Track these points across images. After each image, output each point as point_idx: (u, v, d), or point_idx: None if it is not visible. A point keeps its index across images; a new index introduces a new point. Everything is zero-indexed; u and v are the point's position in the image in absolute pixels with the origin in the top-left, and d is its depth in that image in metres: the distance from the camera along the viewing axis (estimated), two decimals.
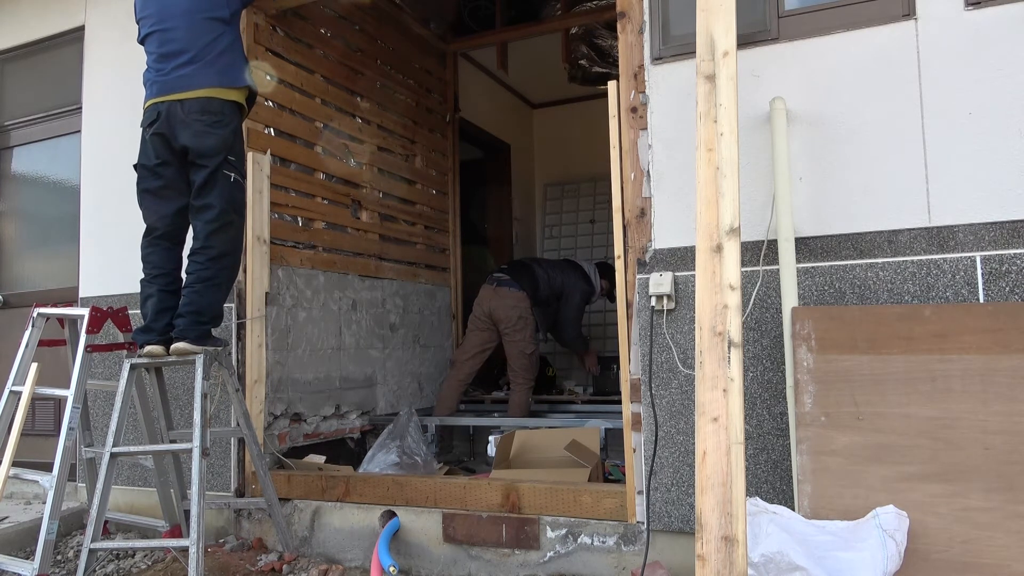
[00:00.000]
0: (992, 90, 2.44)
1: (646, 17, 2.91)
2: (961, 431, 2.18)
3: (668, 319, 2.78)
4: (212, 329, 3.10)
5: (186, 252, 3.13)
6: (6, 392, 3.20)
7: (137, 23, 3.24)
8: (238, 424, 3.32)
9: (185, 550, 2.78)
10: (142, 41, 3.21)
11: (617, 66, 3.03)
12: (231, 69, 3.11)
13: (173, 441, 3.32)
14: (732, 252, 2.24)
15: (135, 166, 3.15)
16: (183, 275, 3.11)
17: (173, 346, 3.00)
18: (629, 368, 2.87)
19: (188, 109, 3.00)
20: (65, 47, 4.49)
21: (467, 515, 3.15)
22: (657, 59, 2.89)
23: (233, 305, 3.60)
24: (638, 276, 2.86)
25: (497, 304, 4.81)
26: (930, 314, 2.31)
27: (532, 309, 4.87)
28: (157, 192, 3.11)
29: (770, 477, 2.60)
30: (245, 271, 3.62)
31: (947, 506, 2.12)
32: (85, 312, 3.22)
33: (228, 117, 3.07)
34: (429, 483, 3.32)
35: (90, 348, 3.18)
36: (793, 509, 2.24)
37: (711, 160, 2.33)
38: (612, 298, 5.34)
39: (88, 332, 3.18)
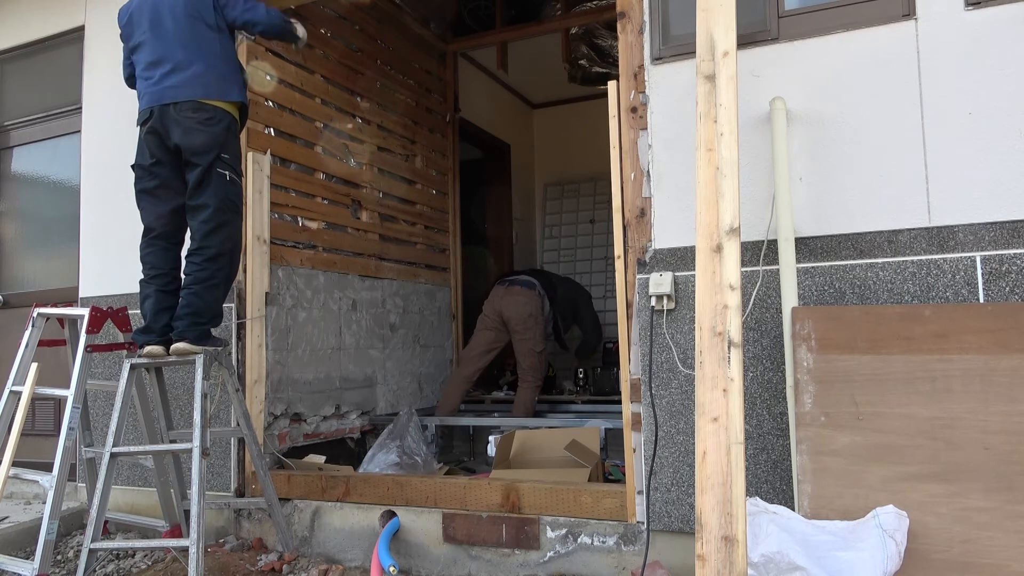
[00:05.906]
0: (992, 90, 2.43)
1: (646, 17, 2.91)
2: (961, 431, 2.18)
3: (668, 319, 2.78)
4: (212, 329, 3.10)
5: (185, 252, 3.13)
6: (6, 392, 3.20)
7: (121, 35, 3.20)
8: (238, 424, 3.32)
9: (185, 550, 2.79)
10: (132, 51, 3.16)
11: (617, 66, 3.03)
12: (221, 83, 3.05)
13: (173, 441, 3.32)
14: (732, 252, 2.24)
15: (132, 166, 3.15)
16: (182, 275, 3.10)
17: (173, 346, 3.00)
18: (629, 368, 2.87)
19: (180, 107, 2.99)
20: (65, 47, 4.48)
21: (467, 515, 3.15)
22: (657, 59, 2.89)
23: (233, 305, 3.60)
24: (638, 276, 2.86)
25: (508, 302, 4.85)
26: (930, 314, 2.31)
27: (551, 308, 4.94)
28: (153, 192, 3.11)
29: (770, 477, 2.60)
30: (245, 271, 3.62)
31: (947, 506, 2.12)
32: (85, 312, 3.22)
33: (220, 115, 3.04)
34: (429, 483, 3.32)
35: (90, 348, 3.19)
36: (793, 509, 2.24)
37: (711, 160, 2.33)
38: None
39: (88, 332, 3.18)
